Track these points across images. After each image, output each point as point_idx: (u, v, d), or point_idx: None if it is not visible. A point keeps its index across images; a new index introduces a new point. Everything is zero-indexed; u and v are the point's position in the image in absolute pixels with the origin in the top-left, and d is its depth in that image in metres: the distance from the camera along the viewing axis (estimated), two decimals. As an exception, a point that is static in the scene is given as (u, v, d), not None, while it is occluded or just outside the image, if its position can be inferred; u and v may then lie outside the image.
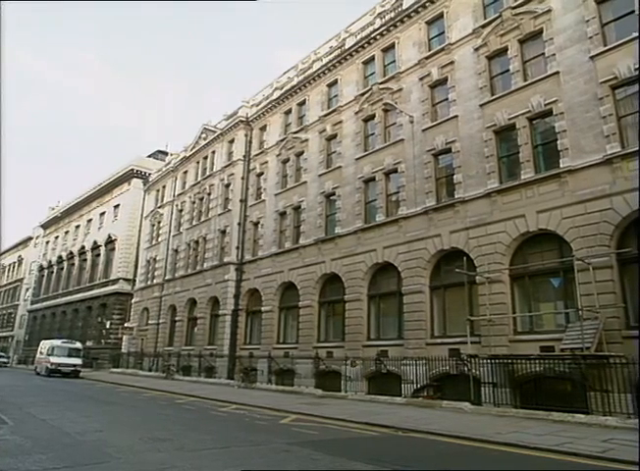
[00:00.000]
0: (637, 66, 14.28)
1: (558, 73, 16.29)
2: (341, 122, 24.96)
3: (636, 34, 14.54)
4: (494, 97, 18.13)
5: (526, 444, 9.49)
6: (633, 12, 14.92)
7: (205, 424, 12.29)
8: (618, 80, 14.79)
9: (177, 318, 35.01)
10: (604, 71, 15.11)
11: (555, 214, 15.32)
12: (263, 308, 27.09)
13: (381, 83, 23.01)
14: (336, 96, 25.97)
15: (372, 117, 23.29)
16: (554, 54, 16.59)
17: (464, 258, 17.20)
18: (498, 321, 15.96)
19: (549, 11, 17.00)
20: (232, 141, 33.44)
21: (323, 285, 24.14)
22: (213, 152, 35.48)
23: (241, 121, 32.60)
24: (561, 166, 15.50)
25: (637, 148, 13.62)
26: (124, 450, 8.03)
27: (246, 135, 32.46)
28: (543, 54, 17.04)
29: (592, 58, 15.50)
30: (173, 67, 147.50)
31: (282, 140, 29.05)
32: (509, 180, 17.07)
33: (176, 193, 39.53)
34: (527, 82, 17.19)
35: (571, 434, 10.35)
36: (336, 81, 26.06)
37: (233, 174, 32.17)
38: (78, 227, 55.52)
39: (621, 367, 12.59)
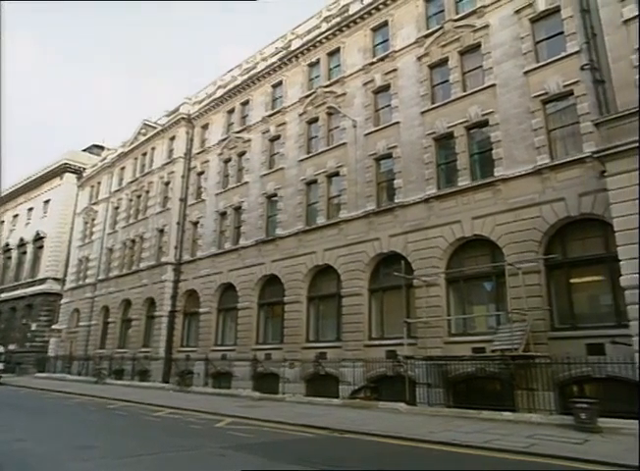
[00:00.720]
0: (581, 83, 15.19)
1: (494, 85, 17.00)
2: (284, 123, 24.91)
3: (564, 54, 15.49)
4: (434, 105, 18.67)
5: (457, 442, 9.82)
6: (562, 33, 15.84)
7: (137, 430, 11.85)
8: (549, 96, 15.63)
9: (110, 319, 33.61)
10: (536, 86, 15.92)
11: (488, 220, 15.95)
12: (201, 310, 26.51)
13: (325, 87, 23.16)
14: (280, 97, 25.89)
15: (316, 119, 23.40)
16: (491, 67, 17.30)
17: (402, 262, 17.58)
18: (433, 323, 16.39)
19: (487, 26, 17.73)
20: (172, 138, 32.56)
21: (263, 286, 23.93)
22: (153, 149, 34.40)
23: (183, 118, 31.80)
24: (496, 174, 16.17)
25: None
26: (46, 460, 7.59)
27: (188, 133, 31.72)
28: (481, 66, 17.72)
29: (525, 73, 16.29)
30: (113, 60, 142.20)
31: (224, 140, 28.60)
32: (447, 186, 17.61)
33: (112, 190, 37.98)
34: (466, 93, 17.82)
35: (499, 431, 10.81)
36: (280, 83, 25.99)
37: (173, 172, 31.33)
38: (2, 222, 52.17)
39: (546, 367, 13.29)
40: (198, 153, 30.49)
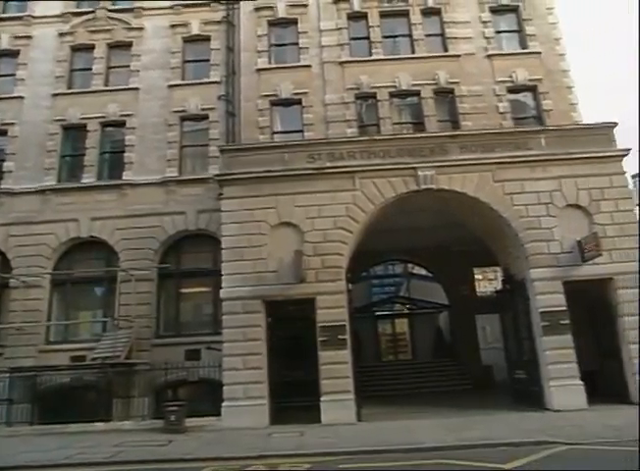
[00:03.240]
0: (217, 111, 16.31)
1: (138, 89, 16.80)
2: None
3: (207, 80, 16.69)
4: (70, 91, 17.11)
5: (35, 463, 8.75)
6: (209, 60, 17.04)
7: None
8: (187, 114, 16.49)
9: None
10: (177, 101, 16.54)
11: (108, 223, 15.32)
12: None
13: None
14: None
15: None
16: (138, 70, 17.07)
17: (0, 258, 15.04)
18: (29, 330, 14.42)
19: (142, 29, 17.53)
20: None
21: None
22: None
23: None
24: (124, 178, 15.85)
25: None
26: None
27: None
28: (128, 66, 17.24)
29: (170, 87, 16.77)
30: None
31: None
32: (70, 181, 16.18)
33: None
34: (108, 88, 17.05)
35: (87, 443, 10.17)
36: None
37: None
38: None
39: (145, 373, 13.42)
40: None
